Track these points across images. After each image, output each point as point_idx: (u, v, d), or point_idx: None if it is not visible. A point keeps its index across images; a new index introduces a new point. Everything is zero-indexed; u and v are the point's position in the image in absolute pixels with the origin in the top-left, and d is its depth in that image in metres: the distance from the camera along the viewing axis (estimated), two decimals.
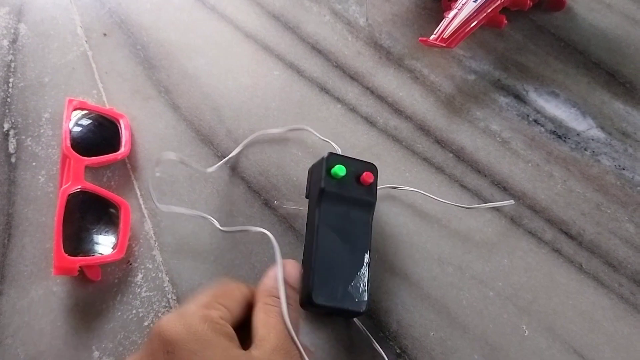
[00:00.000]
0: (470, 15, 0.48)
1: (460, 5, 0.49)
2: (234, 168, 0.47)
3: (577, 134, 0.49)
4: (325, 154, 0.39)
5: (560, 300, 0.42)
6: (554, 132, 0.49)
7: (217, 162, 0.46)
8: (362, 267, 0.37)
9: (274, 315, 0.32)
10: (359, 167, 0.40)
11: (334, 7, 0.55)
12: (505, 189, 0.46)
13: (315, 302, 0.35)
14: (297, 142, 0.48)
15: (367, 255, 0.38)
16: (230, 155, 0.46)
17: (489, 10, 0.49)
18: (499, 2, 0.49)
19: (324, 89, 0.51)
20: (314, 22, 0.54)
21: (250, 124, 0.49)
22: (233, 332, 0.31)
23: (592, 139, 0.48)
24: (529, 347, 0.40)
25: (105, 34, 0.53)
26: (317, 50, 0.53)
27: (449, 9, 0.50)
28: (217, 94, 0.50)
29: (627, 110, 0.50)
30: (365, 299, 0.36)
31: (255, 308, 0.33)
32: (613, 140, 0.48)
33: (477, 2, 0.48)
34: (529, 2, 0.52)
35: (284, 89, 0.51)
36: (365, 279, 0.37)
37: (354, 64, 0.52)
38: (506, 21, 0.52)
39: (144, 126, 0.48)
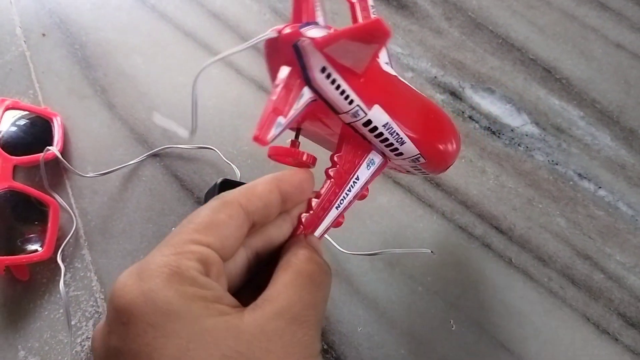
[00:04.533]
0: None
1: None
2: (167, 166, 0.47)
3: (512, 130, 0.49)
4: (218, 180, 0.39)
5: (489, 294, 0.42)
6: (488, 128, 0.49)
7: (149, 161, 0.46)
8: None
9: (291, 272, 0.25)
10: None
11: (274, 6, 0.55)
12: (437, 184, 0.46)
13: None
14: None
15: None
16: (128, 164, 0.46)
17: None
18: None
19: (262, 87, 0.51)
20: (254, 20, 0.54)
21: (186, 122, 0.49)
22: (215, 285, 0.23)
23: (527, 135, 0.49)
24: (456, 342, 0.41)
25: (44, 34, 0.52)
26: (257, 48, 0.53)
27: None
28: (153, 92, 0.50)
29: (563, 106, 0.50)
30: None
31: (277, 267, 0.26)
32: (547, 135, 0.49)
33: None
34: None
35: (221, 88, 0.50)
36: None
37: None
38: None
39: (79, 125, 0.48)
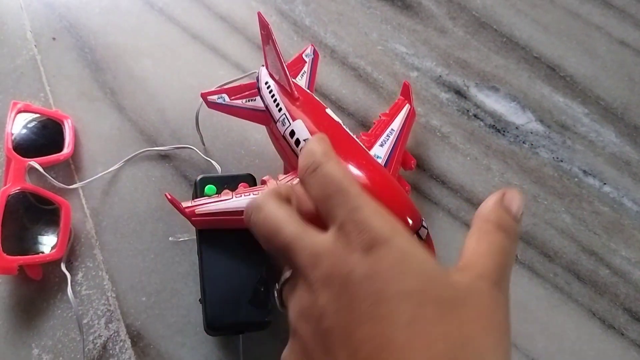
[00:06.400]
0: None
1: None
2: (176, 167, 0.47)
3: (516, 128, 0.49)
4: (197, 178, 0.40)
5: None
6: (493, 126, 0.49)
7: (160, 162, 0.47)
8: (259, 281, 0.38)
9: (486, 243, 0.27)
10: (234, 182, 0.40)
11: (280, 8, 0.56)
12: (443, 182, 0.47)
13: (213, 325, 0.37)
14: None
15: (263, 268, 0.38)
16: (104, 172, 0.47)
17: None
18: None
19: None
20: None
21: (194, 124, 0.49)
22: None
23: (531, 132, 0.49)
24: None
25: (54, 38, 0.53)
26: (259, 46, 0.53)
27: None
28: (162, 94, 0.51)
29: (567, 103, 0.51)
30: (268, 307, 0.37)
31: (468, 233, 0.29)
32: (552, 132, 0.49)
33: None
34: None
35: None
36: (265, 291, 0.38)
37: None
38: None
39: (89, 127, 0.49)
